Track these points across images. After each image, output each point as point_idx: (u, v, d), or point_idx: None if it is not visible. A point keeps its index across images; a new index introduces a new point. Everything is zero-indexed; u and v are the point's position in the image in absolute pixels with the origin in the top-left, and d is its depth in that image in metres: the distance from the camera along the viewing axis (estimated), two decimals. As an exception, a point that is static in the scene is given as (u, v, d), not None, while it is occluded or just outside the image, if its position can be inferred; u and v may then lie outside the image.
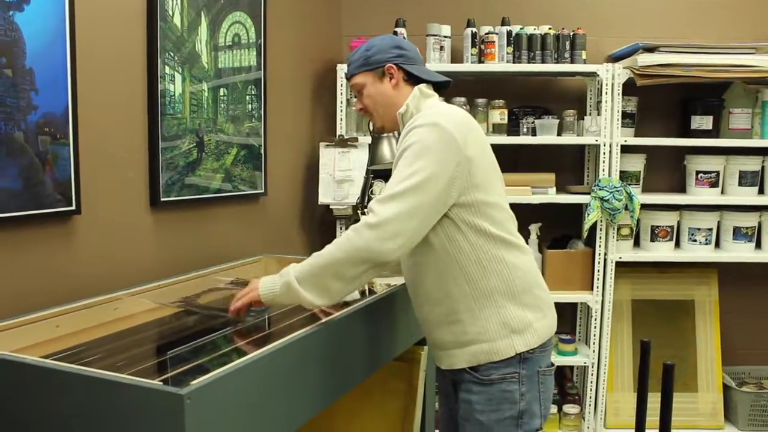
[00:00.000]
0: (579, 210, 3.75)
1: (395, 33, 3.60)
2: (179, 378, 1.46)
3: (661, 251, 3.68)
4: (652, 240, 3.68)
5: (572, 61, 3.54)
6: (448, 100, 3.55)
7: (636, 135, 3.67)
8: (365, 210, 1.81)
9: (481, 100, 3.56)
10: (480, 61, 3.54)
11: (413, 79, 1.97)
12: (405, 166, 1.75)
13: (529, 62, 3.53)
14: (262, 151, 2.99)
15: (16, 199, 1.88)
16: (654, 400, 2.59)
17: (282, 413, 1.62)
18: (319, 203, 3.46)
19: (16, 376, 1.50)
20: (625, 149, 3.54)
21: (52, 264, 2.02)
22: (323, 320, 1.83)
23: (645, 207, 3.58)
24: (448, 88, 2.07)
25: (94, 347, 1.76)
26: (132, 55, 2.29)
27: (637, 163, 3.66)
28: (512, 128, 3.60)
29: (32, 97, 1.91)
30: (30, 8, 1.89)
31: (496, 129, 3.53)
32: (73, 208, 2.05)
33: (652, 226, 3.66)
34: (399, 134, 1.92)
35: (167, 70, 2.40)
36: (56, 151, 1.99)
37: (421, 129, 1.78)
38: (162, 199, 2.40)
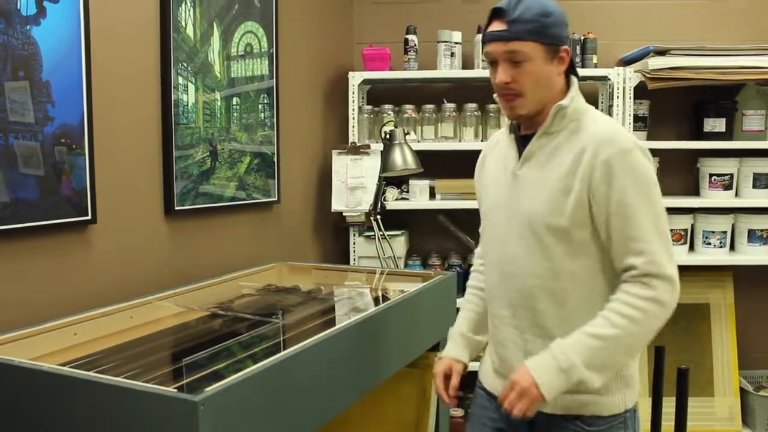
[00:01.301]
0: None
1: (406, 40, 3.62)
2: (195, 385, 1.48)
3: (675, 255, 3.66)
4: (666, 244, 3.66)
5: (583, 66, 3.54)
6: (459, 107, 3.58)
7: (648, 138, 3.67)
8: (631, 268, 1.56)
9: (492, 106, 3.57)
10: (491, 67, 3.55)
11: (569, 70, 1.69)
12: (651, 207, 1.56)
13: (540, 67, 3.53)
14: (275, 159, 3.01)
15: (34, 209, 1.91)
16: (670, 405, 2.59)
17: (296, 419, 1.63)
18: (332, 210, 3.48)
19: (33, 384, 1.53)
20: (638, 153, 3.53)
21: (69, 273, 2.05)
22: (337, 326, 1.85)
23: (658, 211, 3.57)
24: None
25: (112, 354, 1.79)
26: (146, 66, 2.32)
27: (650, 167, 3.65)
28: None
29: (49, 109, 1.95)
30: (46, 22, 1.92)
31: (508, 134, 3.54)
32: (89, 217, 2.08)
33: (665, 230, 3.65)
34: (535, 125, 1.66)
35: (180, 80, 2.43)
36: (73, 161, 2.02)
37: (641, 158, 1.58)
38: (176, 208, 2.42)
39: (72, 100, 2.01)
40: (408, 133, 3.19)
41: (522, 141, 1.70)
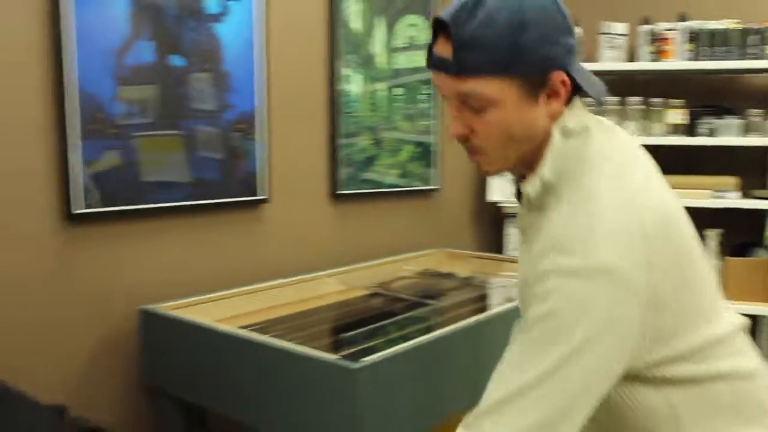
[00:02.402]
0: (764, 216, 3.55)
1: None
2: (355, 354, 1.58)
3: None
4: None
5: (759, 57, 3.36)
6: (622, 100, 3.50)
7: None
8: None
9: (656, 100, 3.47)
10: (656, 59, 3.45)
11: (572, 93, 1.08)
12: (532, 352, 0.97)
13: (710, 59, 3.39)
14: (435, 149, 3.09)
15: (216, 187, 2.10)
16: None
17: (442, 396, 1.70)
18: (488, 201, 3.52)
19: (215, 343, 1.69)
20: (819, 150, 3.31)
21: (245, 246, 2.24)
22: (488, 312, 1.90)
23: (840, 212, 3.33)
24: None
25: (280, 323, 1.94)
26: (315, 58, 2.47)
27: (832, 166, 3.42)
28: (690, 128, 3.48)
29: (228, 97, 2.13)
30: (228, 19, 2.10)
31: (673, 130, 3.43)
32: (265, 197, 2.25)
33: None
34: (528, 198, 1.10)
35: (347, 71, 2.57)
36: (248, 146, 2.19)
37: (594, 289, 0.95)
38: (341, 192, 2.57)
39: (248, 90, 2.19)
40: (567, 126, 3.17)
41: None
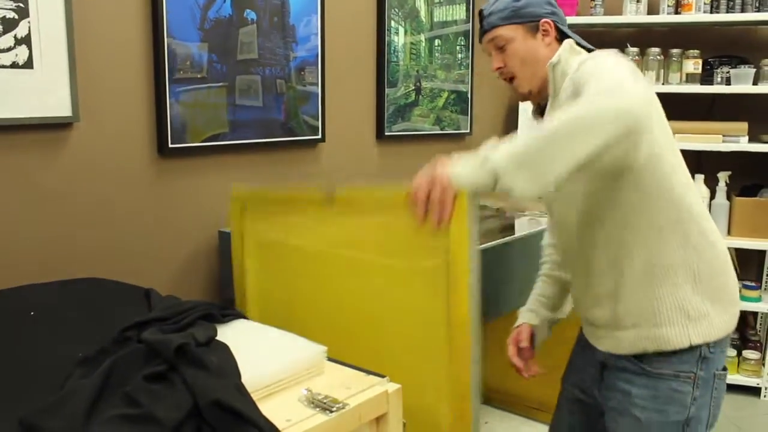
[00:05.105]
0: (772, 159, 3.79)
1: (594, -13, 3.81)
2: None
3: None
4: None
5: (773, 10, 3.56)
6: (642, 51, 3.74)
7: None
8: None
9: (675, 51, 3.69)
10: (676, 12, 3.67)
11: (563, 39, 1.70)
12: (598, 74, 1.47)
13: (727, 12, 3.60)
14: (469, 96, 3.37)
15: (280, 127, 2.41)
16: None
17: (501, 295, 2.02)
18: (515, 145, 3.79)
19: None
20: (827, 99, 3.52)
21: (304, 180, 2.55)
22: (522, 234, 2.20)
23: None
24: None
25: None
26: (365, 11, 2.75)
27: (838, 113, 3.63)
28: (706, 78, 3.70)
29: (293, 47, 2.42)
30: (295, -24, 2.38)
31: (689, 78, 3.65)
32: (319, 137, 2.56)
33: None
34: (548, 95, 1.66)
35: (393, 24, 2.84)
36: (308, 90, 2.49)
37: (600, 54, 1.55)
38: (386, 134, 2.86)
39: (309, 41, 2.48)
40: (591, 75, 3.42)
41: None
